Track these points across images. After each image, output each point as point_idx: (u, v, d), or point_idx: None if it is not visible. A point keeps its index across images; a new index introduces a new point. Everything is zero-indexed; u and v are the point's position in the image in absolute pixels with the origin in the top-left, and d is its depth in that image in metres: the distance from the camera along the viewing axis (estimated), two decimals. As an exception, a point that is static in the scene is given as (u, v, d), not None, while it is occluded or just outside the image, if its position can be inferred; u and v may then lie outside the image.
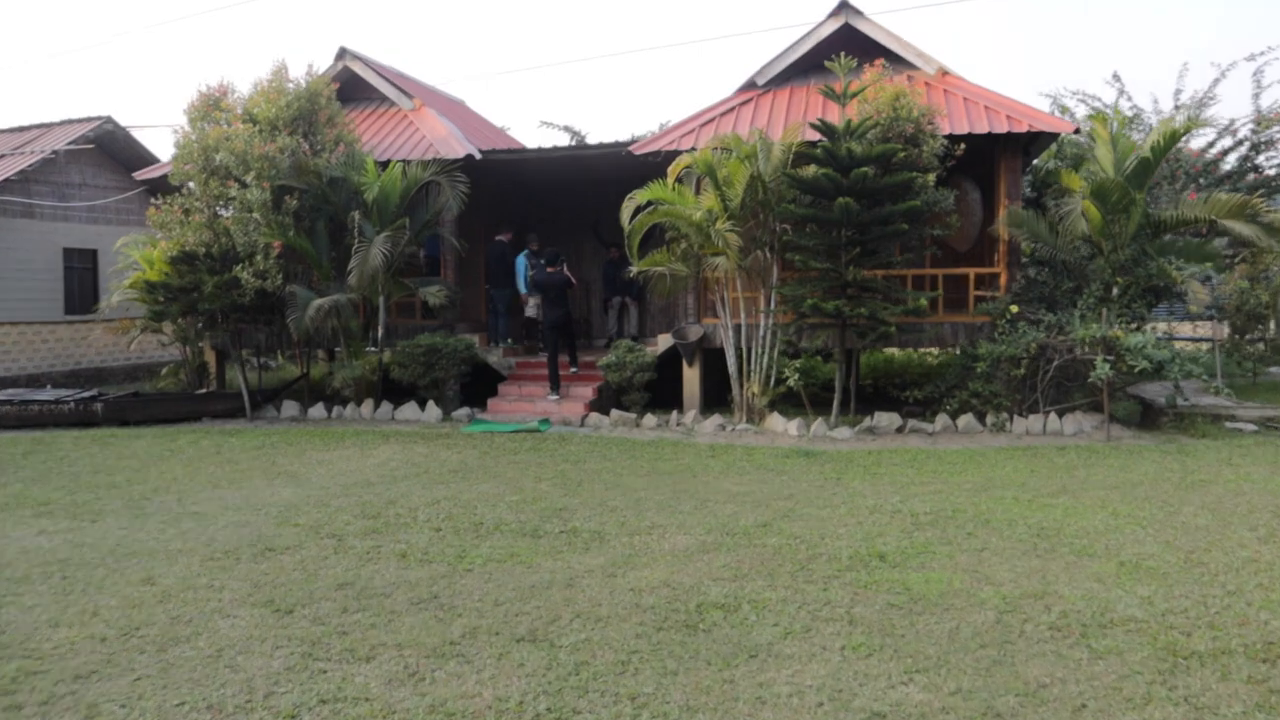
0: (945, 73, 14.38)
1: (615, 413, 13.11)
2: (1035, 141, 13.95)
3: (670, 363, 14.07)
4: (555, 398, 13.71)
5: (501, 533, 7.43)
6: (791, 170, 11.77)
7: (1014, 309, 12.65)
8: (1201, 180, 18.56)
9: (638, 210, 12.71)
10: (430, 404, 13.70)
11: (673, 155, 13.72)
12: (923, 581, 6.06)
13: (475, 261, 16.26)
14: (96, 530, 7.68)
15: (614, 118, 53.53)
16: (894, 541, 7.03)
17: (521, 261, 15.23)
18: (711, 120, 14.40)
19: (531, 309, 15.10)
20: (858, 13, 14.56)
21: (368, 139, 15.48)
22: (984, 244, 14.85)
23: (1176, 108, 19.75)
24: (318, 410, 14.10)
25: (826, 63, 12.02)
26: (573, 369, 14.32)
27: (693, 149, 13.35)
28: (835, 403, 12.29)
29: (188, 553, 6.95)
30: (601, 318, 17.72)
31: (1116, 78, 18.19)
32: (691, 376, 14.17)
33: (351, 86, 16.71)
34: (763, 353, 12.73)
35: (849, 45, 14.82)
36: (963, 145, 12.29)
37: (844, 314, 11.40)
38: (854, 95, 11.77)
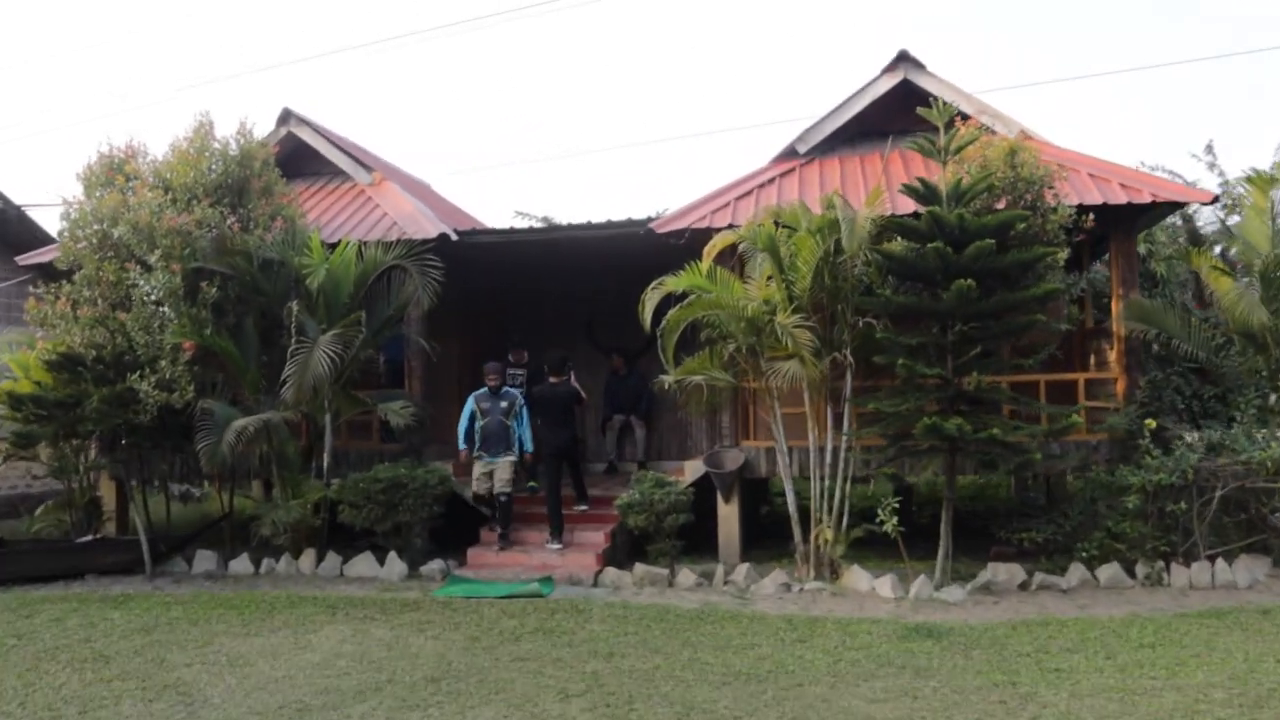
0: (1028, 135, 11.79)
1: (640, 568, 9.87)
2: (1142, 216, 11.32)
3: (696, 497, 10.95)
4: (558, 546, 10.45)
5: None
6: (882, 247, 8.92)
7: (1151, 424, 9.77)
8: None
9: (664, 306, 9.76)
10: (392, 556, 10.34)
11: (703, 235, 10.88)
12: None
13: (448, 369, 13.11)
14: None
15: (597, 208, 51.21)
16: None
17: (469, 406, 10.89)
18: (748, 193, 11.63)
19: (480, 479, 10.67)
20: (919, 66, 12.03)
21: (316, 217, 12.45)
22: (1072, 342, 12.12)
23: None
24: (242, 564, 10.67)
25: (920, 110, 9.28)
26: (580, 507, 11.10)
27: (730, 226, 10.53)
28: (941, 552, 9.19)
29: None
30: (598, 439, 14.56)
31: (1209, 150, 15.66)
32: (729, 515, 11.04)
33: (298, 157, 13.75)
34: (834, 485, 9.68)
35: (907, 105, 12.27)
36: (1091, 215, 9.56)
37: (963, 436, 8.37)
38: (961, 149, 9.02)
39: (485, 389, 10.87)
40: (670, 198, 39.30)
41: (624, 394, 14.18)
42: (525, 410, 10.90)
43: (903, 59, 12.01)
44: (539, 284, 14.85)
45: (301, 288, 10.24)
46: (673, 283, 9.68)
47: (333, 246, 10.70)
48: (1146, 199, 10.18)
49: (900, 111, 12.35)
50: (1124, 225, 10.64)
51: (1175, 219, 14.08)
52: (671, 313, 9.45)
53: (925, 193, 8.83)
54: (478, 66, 48.83)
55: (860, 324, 9.25)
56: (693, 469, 11.34)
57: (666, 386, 9.83)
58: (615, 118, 46.90)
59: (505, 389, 10.92)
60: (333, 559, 10.57)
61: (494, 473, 10.60)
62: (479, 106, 47.01)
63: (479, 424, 10.68)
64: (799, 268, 9.05)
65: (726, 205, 11.33)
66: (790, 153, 12.37)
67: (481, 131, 45.29)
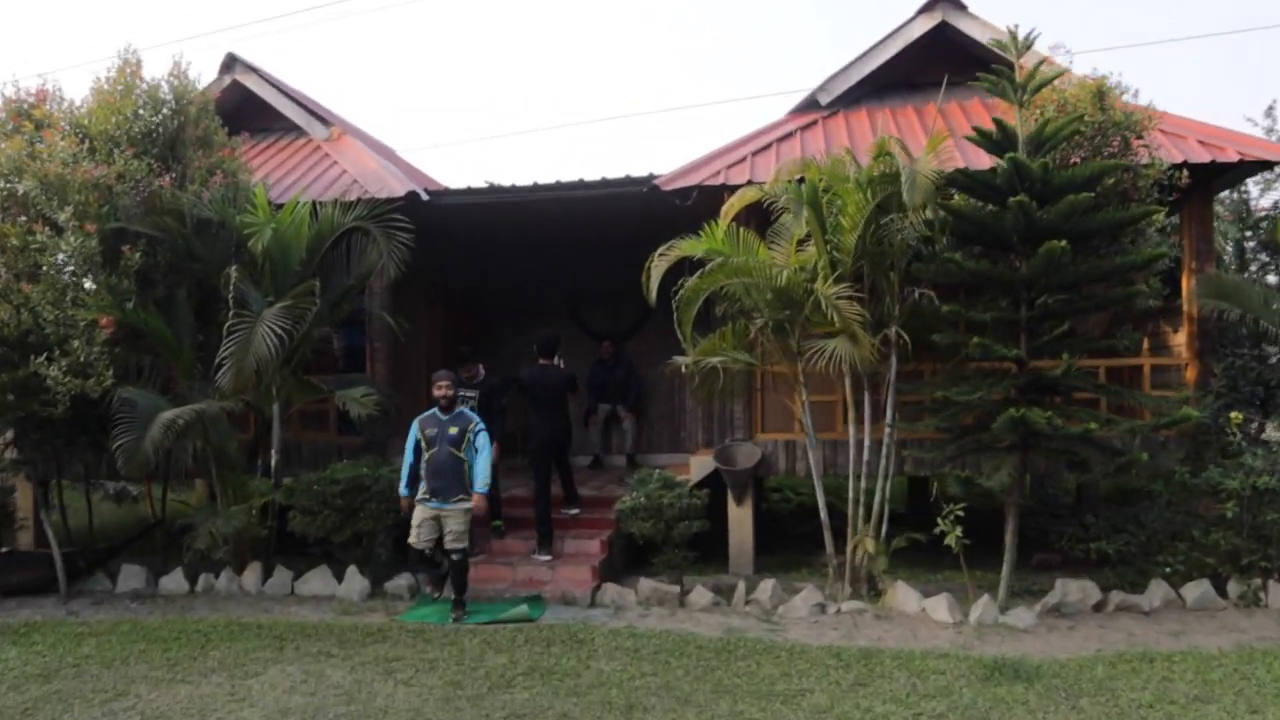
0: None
1: (646, 583, 8.37)
2: (1218, 179, 9.93)
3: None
4: (547, 557, 8.91)
5: None
6: (950, 204, 7.42)
7: (1238, 417, 8.40)
8: None
9: (668, 280, 8.22)
10: (351, 570, 8.75)
11: (714, 195, 9.39)
12: None
13: (416, 351, 11.51)
14: None
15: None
16: None
17: (413, 434, 8.12)
18: (766, 147, 10.11)
19: (422, 529, 7.95)
20: (959, 7, 10.53)
21: (265, 175, 10.73)
22: (1118, 321, 10.76)
23: None
24: (175, 580, 9.03)
25: (991, 41, 7.78)
26: (571, 510, 9.57)
27: (749, 182, 9.01)
28: (1006, 568, 7.74)
29: None
30: (579, 430, 13.02)
31: (1270, 113, 13.94)
32: (742, 520, 9.58)
33: (245, 110, 12.01)
34: (874, 487, 8.24)
35: (946, 55, 10.83)
36: (1185, 172, 8.14)
37: (1055, 431, 6.89)
38: (1042, 86, 7.51)
39: (432, 410, 8.04)
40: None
41: (611, 382, 12.71)
42: (485, 437, 7.94)
43: (940, -1, 10.51)
44: (520, 256, 13.29)
45: (244, 253, 8.57)
46: (687, 246, 8.14)
47: (282, 208, 9.03)
48: (1232, 157, 8.79)
49: (933, 61, 10.90)
50: (1199, 188, 9.19)
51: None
52: (689, 281, 7.90)
53: (999, 139, 7.35)
54: (444, 33, 46.78)
55: (914, 296, 7.76)
56: (699, 465, 9.85)
57: (684, 369, 8.28)
58: (597, 88, 44.97)
59: (460, 410, 8.05)
60: (282, 574, 8.96)
61: (443, 521, 7.85)
62: (451, 77, 44.95)
63: (424, 456, 7.89)
64: (843, 227, 7.55)
65: (743, 160, 9.80)
66: (810, 104, 10.86)
67: (455, 105, 43.18)
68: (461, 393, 8.78)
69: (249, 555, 9.03)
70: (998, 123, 7.28)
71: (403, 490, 8.10)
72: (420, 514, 7.92)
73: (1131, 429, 7.33)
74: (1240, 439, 8.21)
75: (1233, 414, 8.39)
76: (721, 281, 7.78)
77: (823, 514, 8.48)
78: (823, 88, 10.78)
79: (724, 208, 8.46)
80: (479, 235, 12.42)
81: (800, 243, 8.33)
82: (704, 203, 9.53)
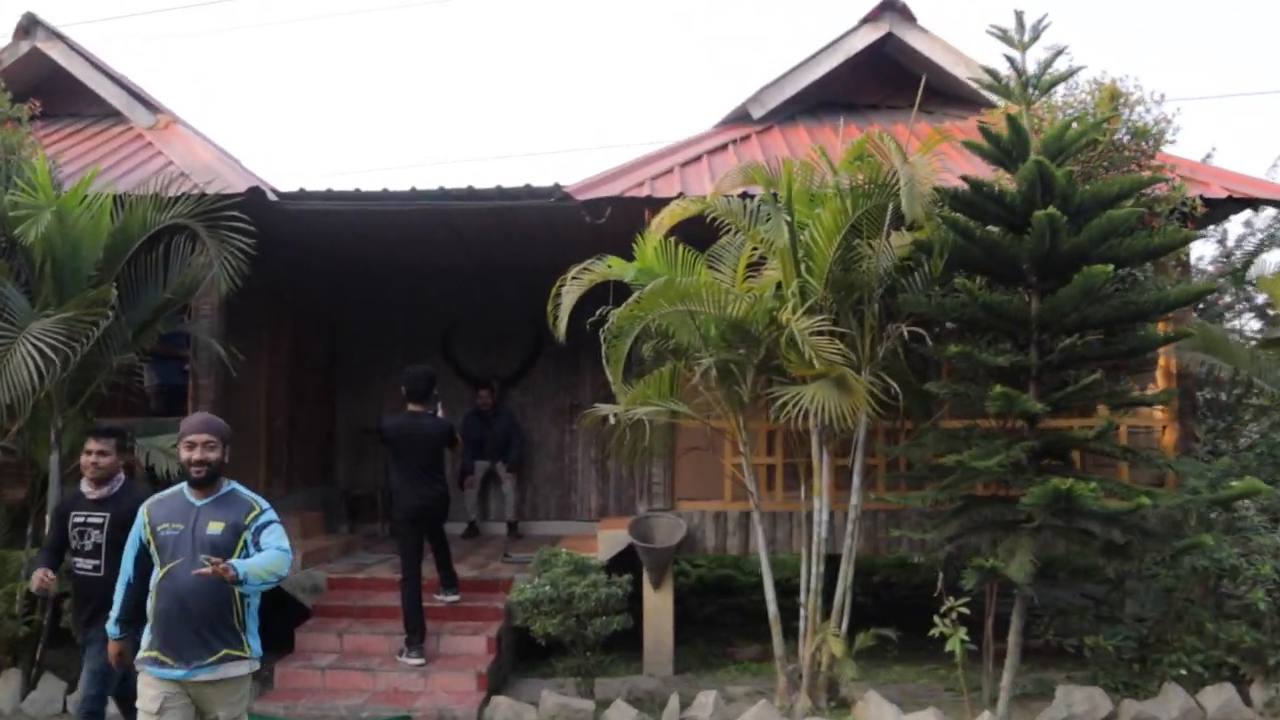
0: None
1: (550, 697, 6.42)
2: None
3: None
4: (418, 660, 6.85)
5: None
6: (952, 217, 5.91)
7: (1257, 485, 7.17)
8: None
9: (577, 308, 6.50)
10: (148, 682, 6.47)
11: (632, 210, 7.76)
12: None
13: (253, 389, 9.31)
14: None
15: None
16: None
17: (138, 526, 4.20)
18: (696, 159, 8.54)
19: (114, 649, 4.40)
20: (908, 19, 9.29)
21: (70, 164, 8.42)
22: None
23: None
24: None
25: (991, 28, 6.32)
26: (448, 596, 7.51)
27: (681, 195, 7.37)
28: (1007, 675, 6.17)
29: None
30: (454, 492, 11.01)
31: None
32: (660, 608, 7.79)
33: (51, 90, 9.56)
34: (840, 569, 6.61)
35: (887, 71, 9.63)
36: (1201, 201, 6.94)
37: (1091, 508, 5.39)
38: (1057, 81, 6.15)
39: (177, 488, 4.25)
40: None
41: (489, 436, 10.81)
42: (279, 531, 4.17)
43: (888, 7, 9.25)
44: (385, 282, 11.28)
45: (17, 248, 6.31)
46: (614, 265, 6.41)
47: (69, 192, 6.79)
48: (1219, 193, 7.70)
49: (875, 79, 9.76)
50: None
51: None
52: (620, 311, 6.13)
53: (1009, 143, 5.93)
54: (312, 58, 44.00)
55: (897, 334, 6.21)
56: (609, 541, 8.01)
57: (611, 421, 6.44)
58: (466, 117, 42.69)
59: (231, 486, 4.25)
60: (51, 685, 6.60)
61: (201, 706, 4.09)
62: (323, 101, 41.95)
63: (156, 573, 4.09)
64: (817, 245, 5.97)
65: (669, 171, 8.18)
66: (741, 117, 9.37)
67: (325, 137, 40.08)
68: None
69: (5, 659, 6.64)
70: (1011, 121, 5.87)
71: (111, 629, 4.32)
72: (151, 690, 4.00)
73: (1182, 504, 5.93)
74: (1253, 512, 6.97)
75: (1247, 480, 7.13)
76: (662, 310, 6.05)
77: (771, 607, 6.78)
78: (755, 99, 9.32)
79: (655, 221, 6.78)
80: (341, 253, 10.36)
81: (750, 267, 6.74)
82: (620, 220, 7.88)
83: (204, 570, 3.77)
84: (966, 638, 5.96)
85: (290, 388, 9.98)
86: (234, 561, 3.87)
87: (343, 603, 7.59)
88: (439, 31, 39.52)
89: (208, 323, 7.96)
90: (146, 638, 4.06)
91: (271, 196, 8.02)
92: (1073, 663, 7.50)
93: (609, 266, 6.48)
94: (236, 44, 39.51)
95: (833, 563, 6.85)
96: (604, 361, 6.30)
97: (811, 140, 8.91)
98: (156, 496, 4.28)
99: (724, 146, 8.79)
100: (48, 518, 4.97)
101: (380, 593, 7.66)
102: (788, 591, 11.31)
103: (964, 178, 6.03)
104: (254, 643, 4.15)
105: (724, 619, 9.99)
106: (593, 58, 40.73)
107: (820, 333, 5.81)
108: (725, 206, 6.73)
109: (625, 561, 7.80)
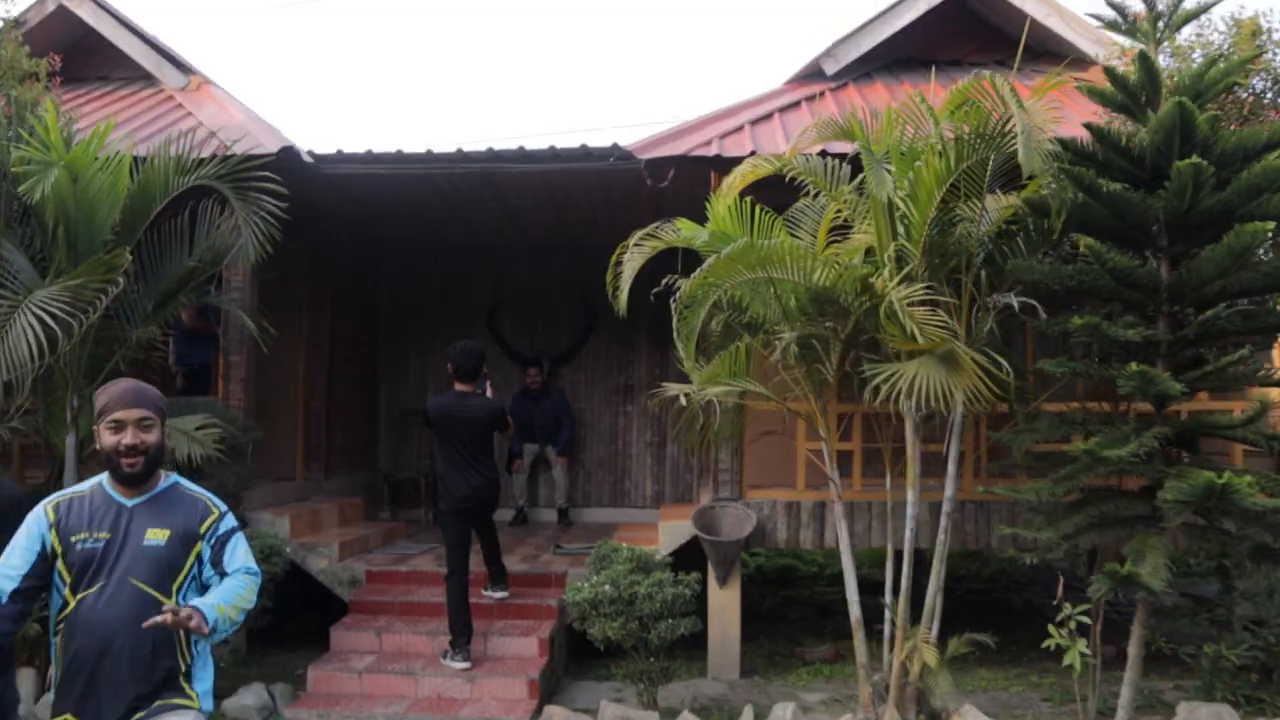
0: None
1: (610, 709, 5.78)
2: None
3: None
4: (464, 664, 6.25)
5: None
6: (1077, 171, 5.14)
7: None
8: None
9: (672, 281, 5.84)
10: (172, 685, 5.96)
11: (699, 173, 7.08)
12: None
13: (288, 366, 8.79)
14: None
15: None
16: None
17: (35, 528, 2.87)
18: (766, 117, 7.81)
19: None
20: (998, -36, 8.48)
21: (94, 123, 7.89)
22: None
23: None
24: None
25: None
26: (496, 593, 6.90)
27: (753, 154, 6.66)
28: (1127, 692, 5.43)
29: None
30: (504, 479, 10.44)
31: None
32: (726, 606, 7.12)
33: (78, 51, 9.07)
34: (933, 568, 5.89)
35: (970, 25, 8.88)
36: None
37: (1247, 505, 4.63)
38: (1194, 15, 5.35)
39: (95, 480, 2.99)
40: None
41: (538, 418, 10.20)
42: (244, 542, 3.03)
43: (975, -48, 8.44)
44: (429, 257, 10.72)
45: (20, 205, 5.76)
46: (683, 229, 5.72)
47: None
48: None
49: (955, 34, 8.97)
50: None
51: None
52: (693, 277, 5.43)
53: (1136, 86, 5.14)
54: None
55: (1003, 305, 5.46)
56: (671, 532, 7.37)
57: (683, 402, 5.75)
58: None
59: (173, 479, 3.05)
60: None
61: None
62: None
63: (60, 601, 2.86)
64: (918, 201, 5.23)
65: (739, 129, 7.46)
66: (813, 74, 8.62)
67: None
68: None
69: (21, 656, 6.14)
70: (1142, 60, 5.07)
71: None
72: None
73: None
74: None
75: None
76: (739, 277, 5.33)
77: (854, 609, 6.05)
78: (829, 54, 8.55)
79: (727, 180, 6.06)
80: (383, 224, 9.80)
81: (831, 233, 6.02)
82: (682, 185, 7.21)
83: (159, 621, 2.63)
84: (1086, 649, 5.22)
85: (329, 367, 9.43)
86: (200, 605, 2.71)
87: (383, 598, 7.01)
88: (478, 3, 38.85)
89: (240, 298, 7.42)
90: (52, 696, 2.91)
91: (307, 158, 7.45)
92: (1177, 669, 6.80)
93: (677, 230, 5.78)
94: (272, 18, 39.11)
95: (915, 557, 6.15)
96: (674, 335, 5.60)
97: (891, 98, 8.15)
98: (63, 494, 2.96)
99: (796, 104, 8.04)
100: (24, 532, 2.99)
101: (423, 587, 7.08)
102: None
103: (1086, 125, 5.25)
104: (202, 690, 2.93)
105: (787, 613, 9.35)
106: (640, 27, 39.83)
107: (919, 303, 5.08)
108: (805, 165, 6.02)
109: (685, 554, 7.16)
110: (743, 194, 6.01)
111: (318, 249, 9.18)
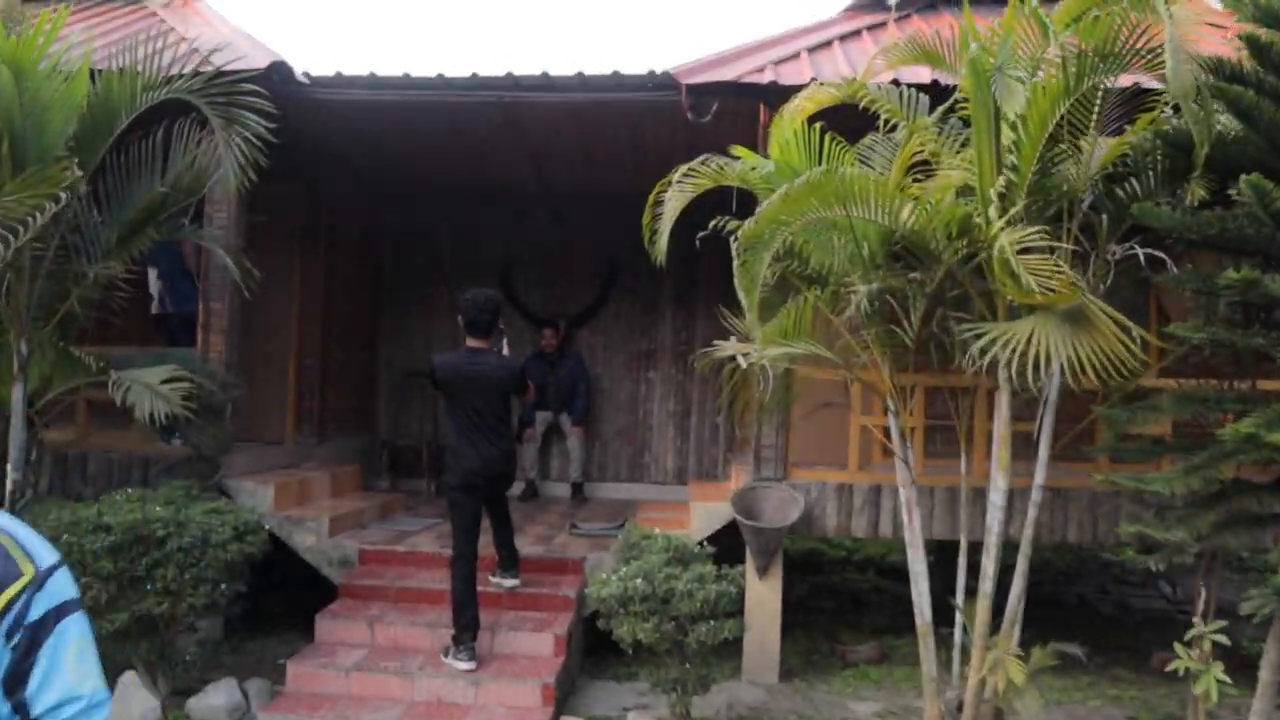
0: None
1: (636, 719, 4.96)
2: None
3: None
4: (467, 664, 5.38)
5: None
6: (1236, 89, 4.23)
7: None
8: None
9: (721, 223, 4.97)
10: (129, 680, 5.11)
11: (749, 105, 6.18)
12: None
13: (278, 314, 7.92)
14: None
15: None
16: None
17: None
18: (825, 44, 6.88)
19: None
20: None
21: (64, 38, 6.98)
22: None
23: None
24: None
25: None
26: (506, 580, 6.03)
27: (814, 79, 5.72)
28: (1262, 707, 4.57)
29: None
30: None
31: None
32: (766, 601, 6.29)
33: None
34: (1018, 565, 5.03)
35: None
36: None
37: None
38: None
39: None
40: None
41: (553, 384, 9.34)
42: (77, 629, 1.35)
43: None
44: (437, 203, 9.83)
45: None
46: (740, 162, 4.82)
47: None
48: None
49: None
50: None
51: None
52: (760, 212, 4.52)
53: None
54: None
55: (1123, 254, 4.56)
56: (705, 514, 6.53)
57: (743, 365, 4.84)
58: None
59: None
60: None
61: None
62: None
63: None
64: (1026, 130, 4.31)
65: (795, 56, 6.53)
66: (873, 3, 7.67)
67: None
68: None
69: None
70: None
71: None
72: None
73: None
74: None
75: None
76: (813, 213, 4.42)
77: (924, 613, 5.18)
78: (890, -20, 7.61)
79: (789, 106, 5.15)
80: (387, 166, 8.90)
81: (909, 171, 5.09)
82: (726, 124, 6.29)
83: None
84: (1217, 667, 4.35)
85: (325, 322, 8.56)
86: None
87: (376, 581, 6.15)
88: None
89: (222, 234, 6.53)
90: None
91: (302, 79, 6.54)
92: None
93: (732, 162, 4.87)
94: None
95: (975, 552, 5.30)
96: (734, 283, 4.68)
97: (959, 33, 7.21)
98: None
99: (857, 32, 7.10)
100: None
101: (423, 570, 6.23)
102: (883, 571, 9.75)
103: (1242, 36, 4.32)
104: None
105: (819, 603, 8.54)
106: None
107: (1027, 251, 4.17)
108: (881, 93, 5.11)
109: (712, 537, 6.28)
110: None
111: (313, 192, 8.30)
